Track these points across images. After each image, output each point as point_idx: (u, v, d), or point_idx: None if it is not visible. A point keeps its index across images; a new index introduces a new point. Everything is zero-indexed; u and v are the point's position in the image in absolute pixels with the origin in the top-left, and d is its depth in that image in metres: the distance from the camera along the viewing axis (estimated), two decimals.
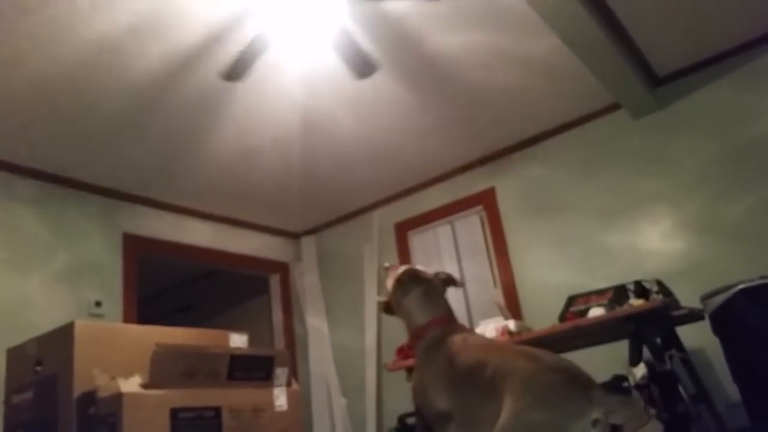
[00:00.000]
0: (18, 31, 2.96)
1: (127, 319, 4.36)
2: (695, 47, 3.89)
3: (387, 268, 2.36)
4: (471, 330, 2.11)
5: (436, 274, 2.25)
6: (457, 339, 1.98)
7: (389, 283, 2.25)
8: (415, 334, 2.11)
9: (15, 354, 2.26)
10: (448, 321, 2.12)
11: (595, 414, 1.51)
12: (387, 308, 2.28)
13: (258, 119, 3.98)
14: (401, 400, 4.61)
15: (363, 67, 3.17)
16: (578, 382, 1.60)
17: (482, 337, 2.06)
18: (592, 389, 1.57)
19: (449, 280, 2.28)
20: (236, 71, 3.06)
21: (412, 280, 2.18)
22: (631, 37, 3.64)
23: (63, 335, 2.04)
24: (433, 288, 2.19)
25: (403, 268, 2.25)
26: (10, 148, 3.90)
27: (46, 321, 3.17)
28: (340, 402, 5.24)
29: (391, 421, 4.70)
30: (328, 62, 3.48)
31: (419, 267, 2.27)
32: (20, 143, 3.86)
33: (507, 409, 1.59)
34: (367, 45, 3.24)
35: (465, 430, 1.83)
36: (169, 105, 3.69)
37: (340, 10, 2.85)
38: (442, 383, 1.90)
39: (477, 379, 1.77)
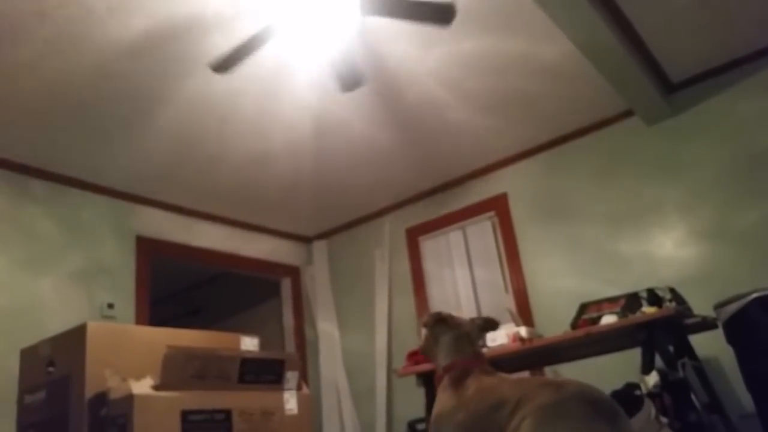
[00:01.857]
0: (34, 35, 2.98)
1: (139, 321, 4.38)
2: (709, 54, 3.87)
3: (424, 316, 2.42)
4: (494, 371, 2.14)
5: (472, 320, 2.31)
6: (474, 380, 2.04)
7: (424, 331, 2.33)
8: (439, 376, 2.19)
9: (28, 355, 2.28)
10: (472, 363, 2.15)
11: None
12: (424, 351, 2.35)
13: (270, 123, 4.00)
14: (411, 405, 4.60)
15: (350, 80, 3.14)
16: (603, 409, 1.63)
17: (503, 377, 2.08)
18: (618, 417, 1.60)
19: (488, 325, 2.34)
20: (226, 63, 3.01)
21: (437, 324, 2.26)
22: (645, 43, 3.62)
23: (75, 336, 2.05)
24: (463, 334, 2.23)
25: (432, 313, 2.32)
26: (25, 150, 3.93)
27: (58, 322, 3.19)
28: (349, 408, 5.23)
29: (401, 427, 4.69)
30: None
31: (451, 313, 2.32)
32: (35, 145, 3.90)
33: None
34: (375, 52, 3.24)
35: None
36: (182, 108, 3.72)
37: (353, 13, 2.85)
38: (459, 424, 1.95)
39: (497, 417, 1.80)
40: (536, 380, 1.89)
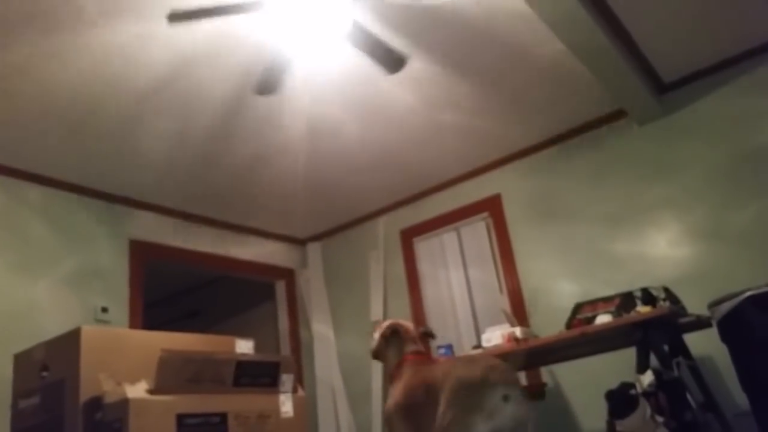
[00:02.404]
0: (25, 39, 2.97)
1: (133, 325, 4.37)
2: (701, 54, 3.89)
3: (375, 323, 2.97)
4: (432, 361, 2.56)
5: (416, 328, 2.76)
6: (408, 369, 2.49)
7: (376, 336, 2.77)
8: (391, 376, 2.61)
9: (22, 359, 2.27)
10: (411, 357, 2.57)
11: (501, 390, 2.00)
12: (375, 355, 2.80)
13: (264, 126, 3.99)
14: None
15: (391, 61, 3.13)
16: (503, 376, 2.06)
17: (434, 363, 2.46)
18: (516, 383, 2.05)
19: (428, 334, 2.81)
20: (268, 86, 3.09)
21: (393, 335, 2.67)
22: (636, 43, 3.64)
23: (70, 341, 2.04)
24: (409, 338, 2.67)
25: (386, 323, 2.76)
26: (18, 154, 3.92)
27: (52, 326, 3.18)
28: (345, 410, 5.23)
29: None
30: (334, 69, 3.49)
31: (401, 321, 2.77)
32: (28, 149, 3.88)
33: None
34: (360, 56, 3.24)
35: None
36: (175, 112, 3.71)
37: (346, 17, 2.85)
38: (399, 406, 2.37)
39: (430, 394, 2.22)
40: (456, 358, 2.43)
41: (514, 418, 1.98)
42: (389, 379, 2.63)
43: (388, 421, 2.44)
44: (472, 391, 2.03)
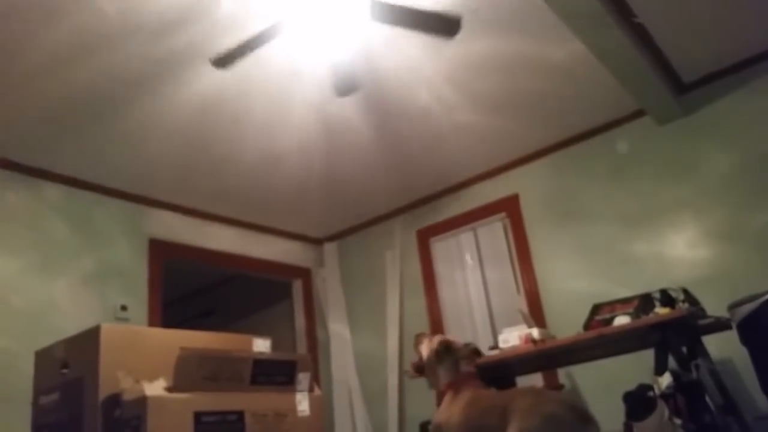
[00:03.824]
0: (46, 39, 3.01)
1: (152, 323, 4.40)
2: (721, 54, 3.85)
3: (418, 336, 2.91)
4: (485, 387, 2.62)
5: (465, 346, 2.76)
6: (467, 392, 2.50)
7: (424, 350, 2.79)
8: (442, 392, 2.65)
9: (42, 356, 2.29)
10: (467, 380, 2.61)
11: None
12: (421, 370, 2.83)
13: (281, 126, 4.01)
14: (423, 406, 4.60)
15: (445, 25, 3.07)
16: (577, 412, 2.05)
17: (492, 390, 2.57)
18: (589, 421, 2.03)
19: (478, 352, 2.81)
20: (227, 59, 3.01)
21: (445, 351, 2.70)
22: (656, 43, 3.61)
23: (89, 338, 2.06)
24: (460, 357, 2.69)
25: (438, 339, 2.77)
26: (39, 153, 3.97)
27: (72, 324, 3.20)
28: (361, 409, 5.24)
29: (413, 428, 4.69)
30: (352, 68, 3.49)
31: (450, 338, 2.80)
32: (49, 149, 3.93)
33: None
34: (379, 55, 3.23)
35: None
36: (194, 111, 3.73)
37: (362, 16, 2.85)
38: (453, 428, 2.39)
39: (486, 421, 2.23)
40: (520, 389, 2.47)
41: None
42: (439, 395, 2.68)
43: None
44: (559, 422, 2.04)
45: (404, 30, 3.20)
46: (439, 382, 2.68)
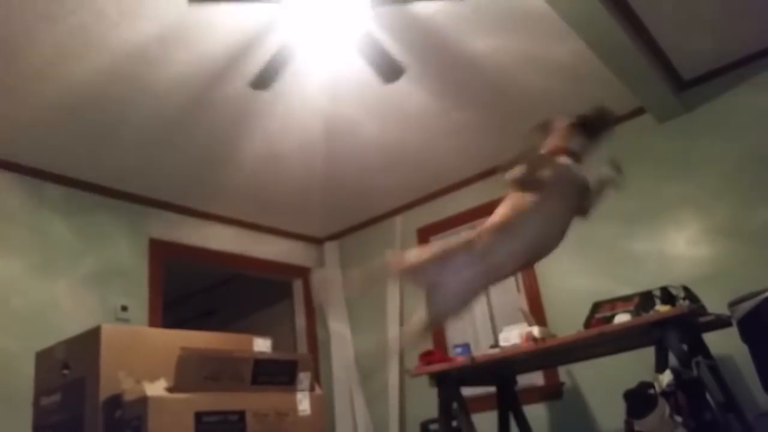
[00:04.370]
0: (46, 41, 3.01)
1: (152, 324, 4.41)
2: (721, 51, 3.84)
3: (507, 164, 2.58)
4: None
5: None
6: None
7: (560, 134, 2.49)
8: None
9: (43, 357, 2.29)
10: None
11: None
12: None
13: (282, 126, 4.01)
14: (424, 406, 4.59)
15: (390, 71, 3.17)
16: None
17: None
18: None
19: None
20: (263, 80, 3.08)
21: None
22: (656, 40, 3.60)
23: (90, 339, 2.06)
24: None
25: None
26: (39, 155, 3.97)
27: (73, 325, 3.20)
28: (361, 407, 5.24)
29: (414, 427, 4.69)
30: (352, 68, 3.49)
31: None
32: (49, 150, 3.93)
33: None
34: (391, 49, 3.24)
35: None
36: (195, 113, 3.73)
37: (363, 16, 2.86)
38: None
39: None
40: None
41: None
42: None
43: None
44: None
45: (403, 29, 3.21)
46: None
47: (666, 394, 2.84)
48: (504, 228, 2.19)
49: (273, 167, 4.52)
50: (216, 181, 4.62)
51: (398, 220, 5.52)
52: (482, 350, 3.95)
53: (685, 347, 2.95)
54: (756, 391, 3.26)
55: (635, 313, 3.03)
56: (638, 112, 4.27)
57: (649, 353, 2.98)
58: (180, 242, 4.85)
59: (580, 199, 2.32)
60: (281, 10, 2.97)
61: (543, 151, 2.41)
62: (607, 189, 2.52)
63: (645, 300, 3.08)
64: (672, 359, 2.87)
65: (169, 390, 1.91)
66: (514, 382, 3.95)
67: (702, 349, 3.07)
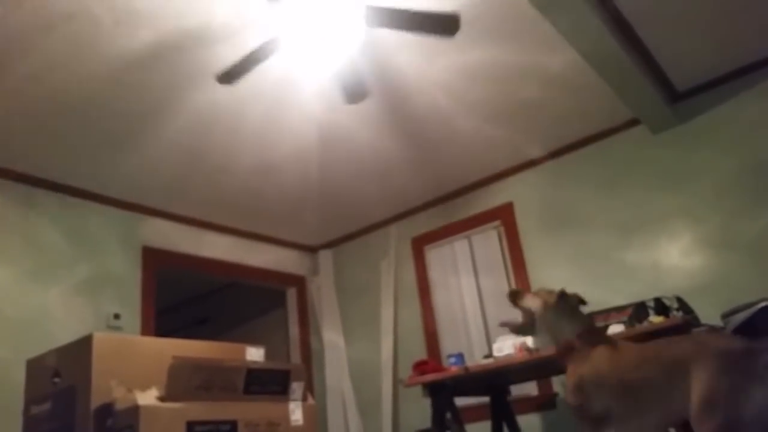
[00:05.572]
0: (41, 48, 3.00)
1: (145, 332, 4.38)
2: (715, 62, 3.87)
3: (517, 292, 2.74)
4: (614, 338, 2.52)
5: (574, 295, 2.62)
6: (629, 345, 2.37)
7: (533, 302, 2.63)
8: (566, 345, 2.49)
9: (34, 365, 2.28)
10: (598, 331, 2.55)
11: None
12: (520, 330, 2.72)
13: (276, 134, 4.01)
14: (417, 415, 4.58)
15: (355, 93, 3.16)
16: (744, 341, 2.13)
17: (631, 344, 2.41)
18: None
19: (582, 300, 2.64)
20: (231, 75, 3.02)
21: (562, 300, 2.56)
22: (650, 52, 3.62)
23: (81, 347, 2.05)
24: (574, 305, 2.58)
25: (547, 290, 2.64)
26: (32, 161, 3.95)
27: (65, 333, 3.19)
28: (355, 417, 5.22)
29: None
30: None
31: (557, 290, 2.62)
32: (42, 157, 3.92)
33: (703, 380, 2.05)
34: (375, 64, 3.24)
35: (628, 422, 2.24)
36: (189, 119, 3.73)
37: (358, 25, 2.86)
38: (604, 382, 2.29)
39: (649, 369, 2.20)
40: (673, 339, 2.34)
41: None
42: (563, 348, 2.51)
43: (579, 389, 2.35)
44: (739, 360, 2.07)
45: (400, 38, 3.22)
46: (563, 333, 2.52)
47: None
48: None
49: (267, 175, 4.52)
50: (210, 189, 4.61)
51: (393, 229, 5.52)
52: (476, 360, 3.94)
53: None
54: None
55: (629, 323, 3.03)
56: (632, 123, 4.29)
57: None
58: (173, 250, 4.83)
59: None
60: (277, 17, 2.97)
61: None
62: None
63: (638, 311, 3.09)
64: None
65: (161, 399, 1.90)
66: (508, 392, 3.95)
67: None
